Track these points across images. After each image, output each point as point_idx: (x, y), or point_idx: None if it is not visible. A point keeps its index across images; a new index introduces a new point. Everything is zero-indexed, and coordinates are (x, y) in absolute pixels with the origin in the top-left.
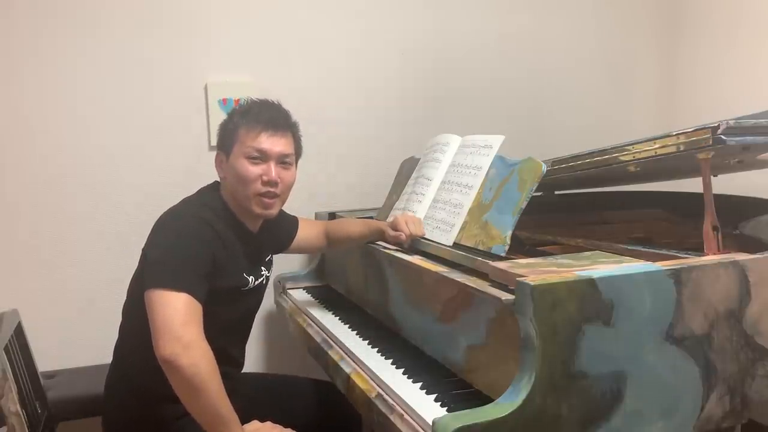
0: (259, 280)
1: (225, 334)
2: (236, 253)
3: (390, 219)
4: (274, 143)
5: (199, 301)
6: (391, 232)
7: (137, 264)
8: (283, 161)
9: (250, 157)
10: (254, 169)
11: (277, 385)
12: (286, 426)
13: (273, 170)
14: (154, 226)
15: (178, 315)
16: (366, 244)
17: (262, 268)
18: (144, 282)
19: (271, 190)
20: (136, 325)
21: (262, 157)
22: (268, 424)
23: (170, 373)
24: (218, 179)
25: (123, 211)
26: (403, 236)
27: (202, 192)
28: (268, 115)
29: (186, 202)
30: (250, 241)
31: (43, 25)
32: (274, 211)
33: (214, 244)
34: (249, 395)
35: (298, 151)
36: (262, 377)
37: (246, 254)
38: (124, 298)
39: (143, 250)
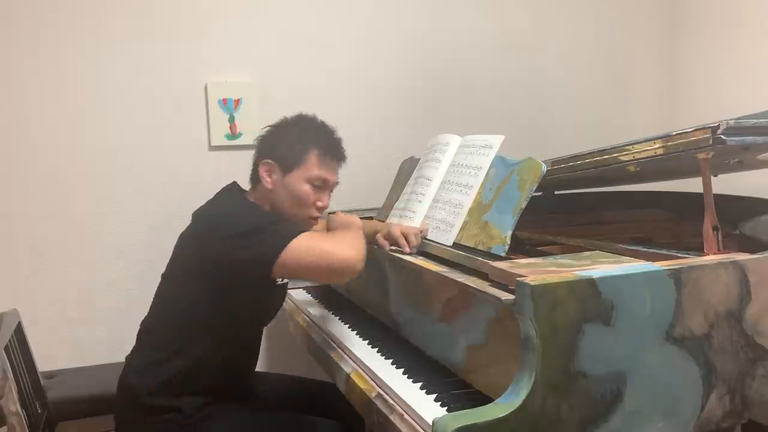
0: (284, 280)
1: (259, 325)
2: None
3: (388, 227)
4: (335, 174)
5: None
6: (382, 241)
7: (177, 261)
8: (332, 189)
9: (313, 183)
10: (313, 195)
11: (279, 385)
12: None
13: (327, 199)
14: (213, 229)
15: (317, 251)
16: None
17: None
18: (264, 263)
19: (318, 214)
20: (177, 318)
21: (323, 185)
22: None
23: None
24: (232, 182)
25: (123, 211)
26: (407, 250)
27: (231, 192)
28: (340, 147)
29: (222, 201)
30: None
31: (43, 25)
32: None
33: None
34: (250, 393)
35: None
36: (264, 376)
37: None
38: (124, 298)
39: (197, 255)
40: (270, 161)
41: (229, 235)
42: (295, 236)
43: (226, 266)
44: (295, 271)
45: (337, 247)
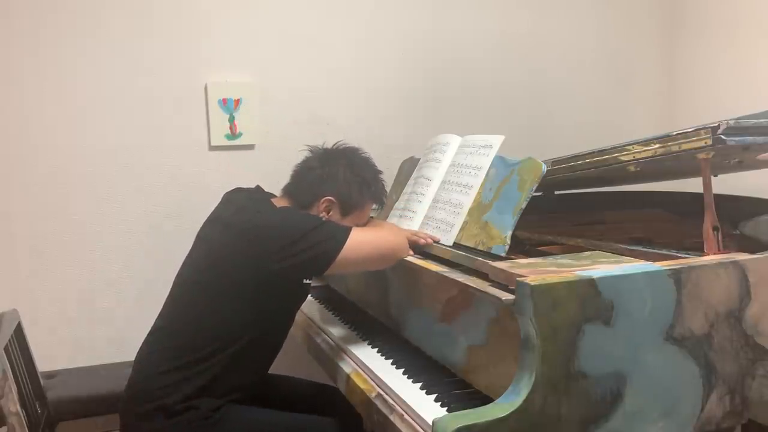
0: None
1: (291, 326)
2: None
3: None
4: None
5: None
6: None
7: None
8: None
9: (359, 224)
10: None
11: (280, 385)
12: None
13: None
14: (259, 236)
15: (372, 244)
16: None
17: None
18: (320, 264)
19: None
20: (215, 326)
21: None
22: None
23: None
24: (256, 185)
25: (123, 211)
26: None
27: (266, 204)
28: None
29: (261, 210)
30: None
31: (43, 25)
32: None
33: None
34: (251, 393)
35: None
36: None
37: None
38: (124, 298)
39: (243, 260)
40: (332, 200)
41: (284, 245)
42: (348, 233)
43: (284, 274)
44: (352, 265)
45: (383, 235)
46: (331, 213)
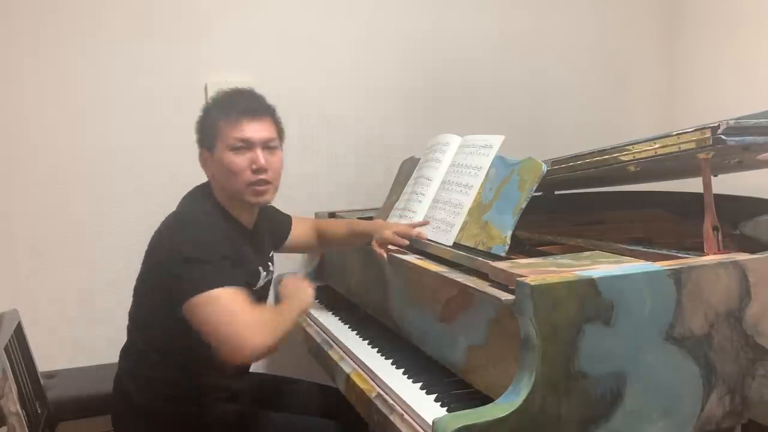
0: (267, 278)
1: None
2: (243, 251)
3: (380, 233)
4: (256, 130)
5: (240, 289)
6: (378, 250)
7: (141, 267)
8: (268, 146)
9: (234, 148)
10: (241, 160)
11: (282, 386)
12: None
13: (260, 157)
14: (164, 240)
15: (235, 318)
16: (359, 245)
17: (269, 263)
18: (180, 296)
19: (262, 177)
20: (148, 327)
21: (247, 145)
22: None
23: (258, 360)
24: (205, 182)
25: (123, 211)
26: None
27: (195, 196)
28: (246, 103)
29: (185, 207)
30: (250, 239)
31: (43, 25)
32: (269, 197)
33: (227, 242)
34: (253, 394)
35: (280, 135)
36: (264, 377)
37: (250, 252)
38: (124, 298)
39: (150, 265)
40: (200, 151)
41: (176, 249)
42: (218, 287)
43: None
44: (196, 320)
45: (248, 325)
46: (208, 164)
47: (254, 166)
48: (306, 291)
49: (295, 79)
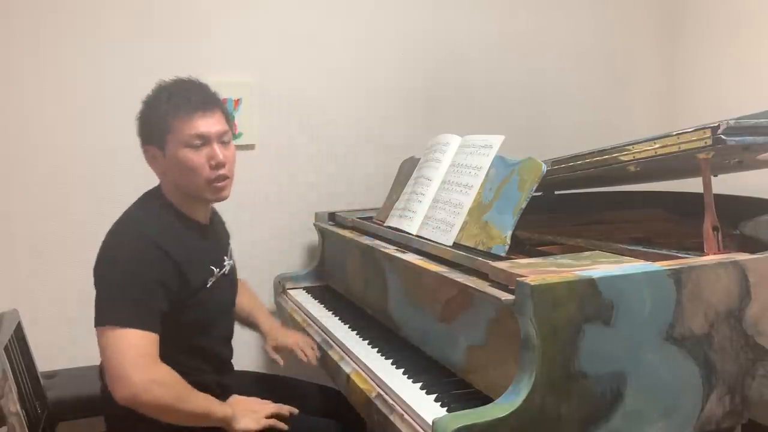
0: (223, 270)
1: (204, 334)
2: (195, 252)
3: (281, 339)
4: (210, 124)
5: (152, 331)
6: (272, 354)
7: None
8: (222, 140)
9: (190, 145)
10: (198, 156)
11: (282, 386)
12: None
13: (218, 152)
14: (99, 251)
15: (128, 355)
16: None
17: (225, 257)
18: (95, 317)
19: (221, 172)
20: None
21: (204, 141)
22: (252, 399)
23: (137, 409)
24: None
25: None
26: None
27: (144, 200)
28: (195, 96)
29: (128, 218)
30: (206, 234)
31: (43, 25)
32: (227, 193)
33: (162, 264)
34: (252, 394)
35: (230, 125)
36: (264, 377)
37: (205, 249)
38: None
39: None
40: (146, 147)
41: (102, 270)
42: (131, 326)
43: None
44: (100, 348)
45: (140, 371)
46: (157, 161)
47: (213, 162)
48: (244, 420)
49: (295, 79)
